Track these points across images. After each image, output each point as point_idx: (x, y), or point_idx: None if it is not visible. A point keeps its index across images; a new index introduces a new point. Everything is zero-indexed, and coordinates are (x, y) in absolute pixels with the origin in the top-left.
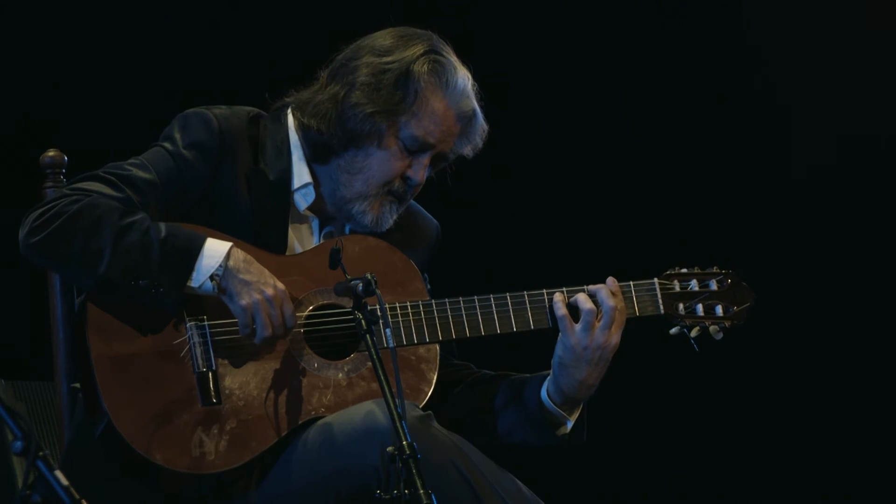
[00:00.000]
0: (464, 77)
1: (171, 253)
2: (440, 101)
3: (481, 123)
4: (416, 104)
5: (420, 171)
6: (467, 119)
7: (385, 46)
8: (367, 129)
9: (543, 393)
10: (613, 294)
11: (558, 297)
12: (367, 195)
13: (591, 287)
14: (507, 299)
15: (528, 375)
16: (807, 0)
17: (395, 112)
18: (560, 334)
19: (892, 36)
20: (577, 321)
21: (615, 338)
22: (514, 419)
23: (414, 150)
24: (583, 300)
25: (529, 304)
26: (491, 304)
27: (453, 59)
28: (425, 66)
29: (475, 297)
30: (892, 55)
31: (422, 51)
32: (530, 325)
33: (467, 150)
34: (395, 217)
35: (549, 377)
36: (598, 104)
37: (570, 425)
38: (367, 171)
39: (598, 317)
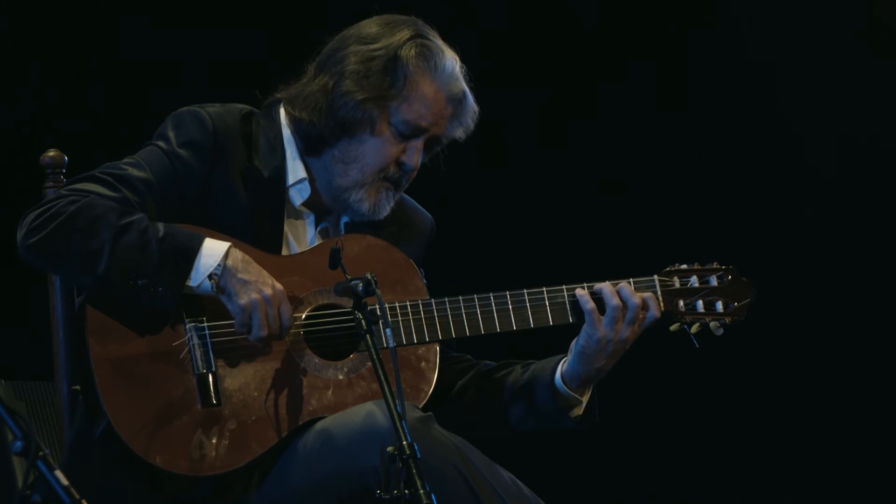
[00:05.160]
0: (451, 60)
1: (169, 252)
2: (430, 84)
3: (472, 105)
4: (407, 89)
5: (414, 156)
6: (458, 101)
7: (371, 34)
8: (359, 116)
9: (558, 379)
10: (635, 292)
11: (581, 292)
12: (363, 183)
13: (598, 285)
14: (506, 298)
15: (534, 362)
16: (807, 1)
17: (386, 98)
18: (586, 326)
19: (892, 36)
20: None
21: (637, 333)
22: (527, 406)
23: (407, 134)
24: (609, 295)
25: (529, 302)
26: (490, 303)
27: (440, 42)
28: (413, 51)
29: (475, 296)
30: (892, 56)
31: (408, 35)
32: (530, 324)
33: (459, 133)
34: (391, 204)
35: (561, 364)
36: (597, 102)
37: (584, 405)
38: (361, 159)
39: (624, 312)
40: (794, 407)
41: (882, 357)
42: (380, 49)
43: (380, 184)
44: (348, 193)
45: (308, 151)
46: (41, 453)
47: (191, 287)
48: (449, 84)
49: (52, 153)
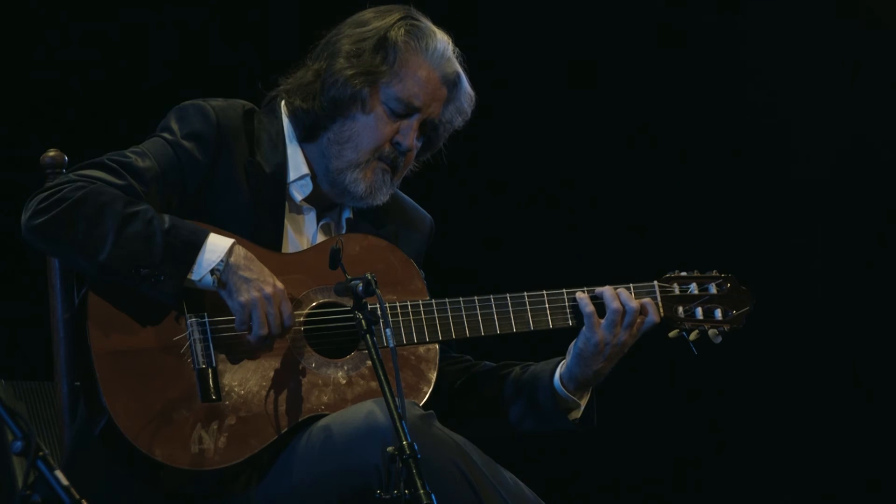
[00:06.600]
0: (443, 42)
1: (173, 244)
2: (421, 63)
3: (467, 89)
4: (397, 65)
5: (410, 135)
6: (452, 83)
7: (364, 20)
8: (349, 93)
9: (556, 381)
10: (634, 297)
11: (581, 295)
12: (359, 163)
13: (598, 289)
14: (506, 300)
15: (533, 364)
16: (803, 2)
17: (376, 74)
18: (584, 329)
19: (891, 37)
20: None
21: (635, 337)
22: (525, 407)
23: (400, 113)
24: (609, 298)
25: (529, 305)
26: (491, 305)
27: (430, 24)
28: (402, 30)
29: (475, 298)
30: (891, 57)
31: (398, 17)
32: (530, 326)
33: (457, 120)
34: (389, 189)
35: (560, 366)
36: (598, 106)
37: (582, 408)
38: (355, 138)
39: (623, 316)
40: (793, 411)
41: (881, 363)
42: (370, 31)
43: (375, 163)
44: (344, 175)
45: (306, 138)
46: (41, 453)
47: (192, 281)
48: (441, 64)
49: (52, 153)
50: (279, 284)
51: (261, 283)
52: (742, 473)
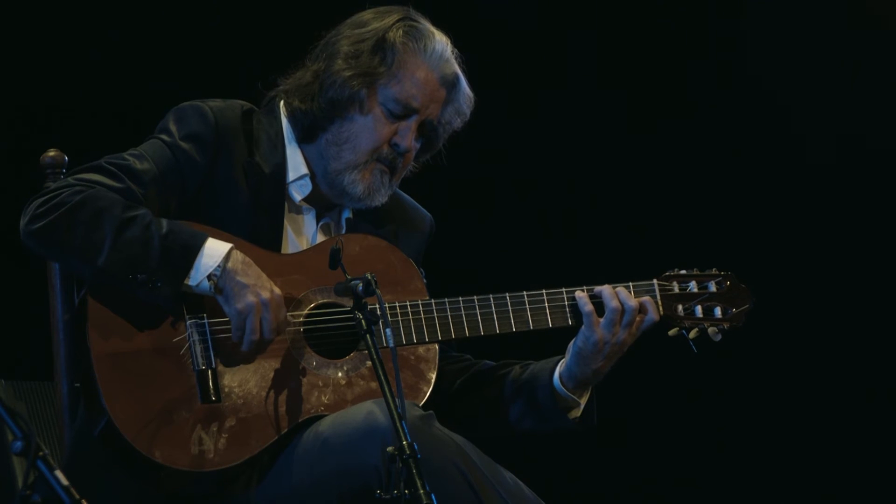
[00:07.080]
0: (442, 43)
1: (170, 249)
2: (420, 64)
3: (466, 90)
4: (395, 67)
5: (408, 136)
6: (451, 84)
7: (363, 20)
8: (347, 94)
9: (556, 379)
10: (633, 296)
11: (580, 294)
12: (356, 164)
13: (597, 288)
14: (506, 299)
15: (533, 363)
16: (804, 3)
17: (374, 75)
18: (583, 328)
19: (891, 36)
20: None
21: (635, 336)
22: (525, 406)
23: (398, 114)
24: (608, 297)
25: (529, 304)
26: (490, 305)
27: (429, 25)
28: (400, 31)
29: (475, 298)
30: (891, 57)
31: (397, 18)
32: (529, 326)
33: (456, 122)
34: (388, 190)
35: (560, 365)
36: (598, 105)
37: (582, 407)
38: (353, 139)
39: (622, 315)
40: (793, 410)
41: (879, 362)
42: (369, 32)
43: (373, 164)
44: (342, 176)
45: (304, 139)
46: (41, 453)
47: (189, 286)
48: (440, 65)
49: (52, 153)
50: (276, 290)
51: (258, 288)
52: (742, 473)
